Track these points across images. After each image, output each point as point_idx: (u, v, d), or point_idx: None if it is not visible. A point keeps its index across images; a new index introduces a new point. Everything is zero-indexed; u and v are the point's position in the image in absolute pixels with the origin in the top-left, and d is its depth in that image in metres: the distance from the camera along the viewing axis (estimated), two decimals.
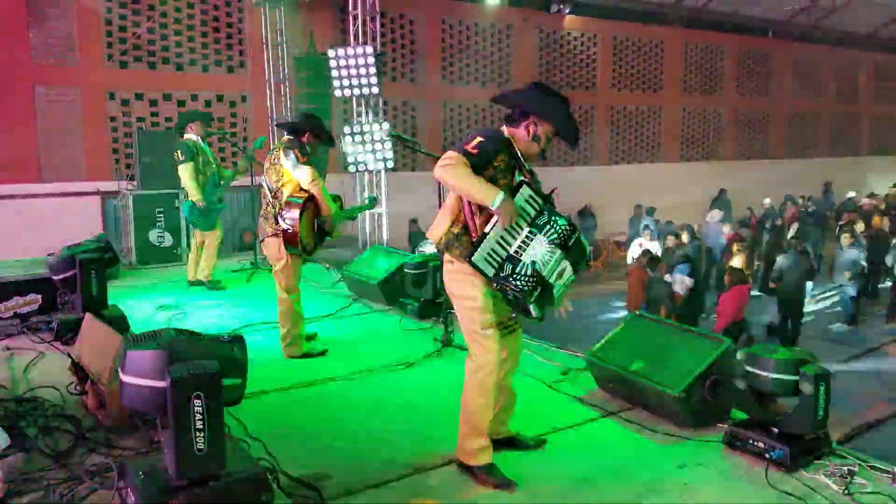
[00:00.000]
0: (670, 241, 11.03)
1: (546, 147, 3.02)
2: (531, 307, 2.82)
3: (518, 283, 2.79)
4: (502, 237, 2.82)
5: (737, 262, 9.81)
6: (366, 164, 9.53)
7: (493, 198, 2.74)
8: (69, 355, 3.81)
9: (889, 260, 11.04)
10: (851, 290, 10.30)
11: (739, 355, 3.23)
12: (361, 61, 9.14)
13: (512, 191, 2.86)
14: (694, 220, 13.67)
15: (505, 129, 2.99)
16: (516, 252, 2.84)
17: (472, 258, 2.78)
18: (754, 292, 10.31)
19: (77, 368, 3.67)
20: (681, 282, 9.23)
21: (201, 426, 2.36)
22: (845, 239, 10.65)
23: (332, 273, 7.48)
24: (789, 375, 3.01)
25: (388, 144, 9.34)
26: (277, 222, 4.51)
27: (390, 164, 9.58)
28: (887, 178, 20.34)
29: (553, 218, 2.90)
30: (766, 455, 3.02)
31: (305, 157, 4.48)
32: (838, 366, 8.45)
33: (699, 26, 17.47)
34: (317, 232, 4.65)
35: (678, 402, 3.37)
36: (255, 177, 7.87)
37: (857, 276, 10.36)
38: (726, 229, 12.35)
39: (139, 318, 5.52)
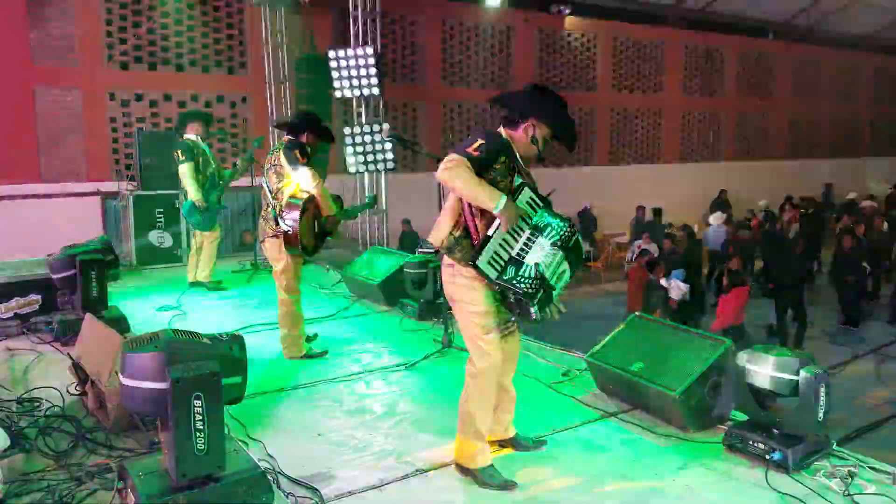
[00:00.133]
0: (666, 243, 11.04)
1: (544, 149, 3.02)
2: (533, 309, 2.82)
3: (521, 285, 2.80)
4: (504, 240, 2.82)
5: (735, 265, 9.80)
6: (366, 166, 9.54)
7: (496, 201, 2.74)
8: (69, 356, 3.81)
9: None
10: (852, 292, 10.31)
11: (741, 354, 3.23)
12: (362, 62, 9.15)
13: (512, 193, 2.86)
14: (694, 222, 13.68)
15: (503, 131, 2.99)
16: (519, 254, 2.84)
17: (476, 262, 2.78)
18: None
19: (77, 369, 3.67)
20: (676, 287, 9.22)
21: (201, 427, 2.36)
22: (847, 241, 10.65)
23: (332, 274, 7.49)
24: (790, 375, 3.01)
25: (389, 145, 9.34)
26: (278, 223, 4.51)
27: (391, 166, 9.58)
28: (888, 179, 20.33)
29: (555, 220, 2.90)
30: (767, 456, 3.02)
31: (306, 158, 4.48)
32: (839, 367, 8.44)
33: (699, 27, 17.47)
34: (317, 233, 4.65)
35: (678, 404, 3.37)
36: (255, 177, 7.89)
37: (858, 277, 10.36)
38: (730, 230, 12.37)
39: (139, 318, 5.52)
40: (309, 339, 4.89)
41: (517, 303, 2.86)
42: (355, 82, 9.23)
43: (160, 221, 8.12)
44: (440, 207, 3.01)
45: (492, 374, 2.97)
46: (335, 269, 7.48)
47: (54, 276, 4.95)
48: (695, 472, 3.06)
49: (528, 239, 2.86)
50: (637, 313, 4.36)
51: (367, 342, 5.16)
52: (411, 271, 5.70)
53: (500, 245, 2.81)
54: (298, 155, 4.45)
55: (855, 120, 21.60)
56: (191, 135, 6.69)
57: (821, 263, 12.96)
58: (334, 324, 5.67)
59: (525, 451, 3.25)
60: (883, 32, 20.43)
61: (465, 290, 2.91)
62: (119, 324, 4.76)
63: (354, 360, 4.70)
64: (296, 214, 4.42)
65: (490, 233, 2.80)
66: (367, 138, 9.36)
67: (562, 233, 2.89)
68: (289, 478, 2.96)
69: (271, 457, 3.13)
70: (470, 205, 2.86)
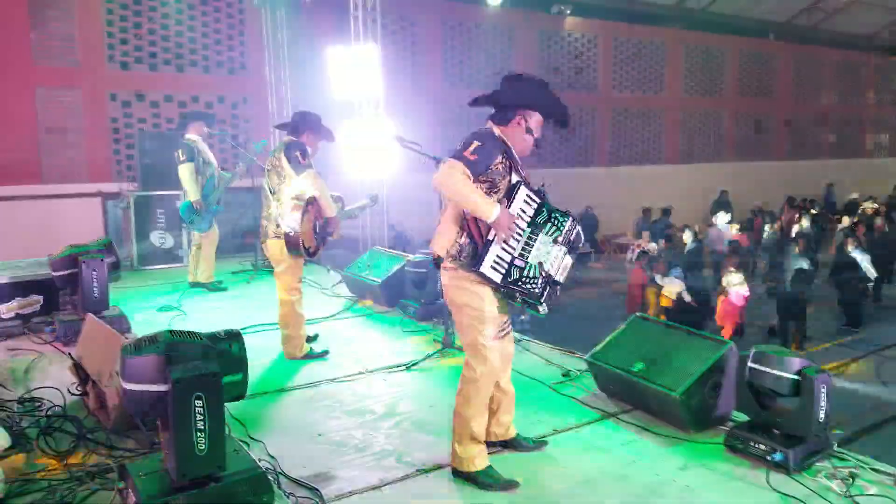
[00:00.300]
0: (662, 243, 11.05)
1: (539, 136, 3.01)
2: (542, 308, 2.86)
3: (527, 286, 2.81)
4: (505, 241, 2.83)
5: (736, 276, 9.78)
6: (366, 167, 9.52)
7: (490, 213, 2.74)
8: (70, 356, 3.81)
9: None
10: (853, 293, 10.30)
11: (742, 354, 3.23)
12: (362, 63, 9.14)
13: (508, 191, 2.86)
14: (695, 222, 13.66)
15: (496, 129, 2.96)
16: (521, 255, 2.85)
17: (481, 268, 2.78)
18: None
19: (78, 369, 3.67)
20: (670, 283, 9.21)
21: (202, 427, 2.36)
22: (849, 243, 10.64)
23: (332, 274, 7.49)
24: (790, 376, 3.01)
25: (390, 147, 9.33)
26: (279, 224, 4.51)
27: (392, 167, 9.58)
28: (889, 179, 20.34)
29: (553, 215, 2.90)
30: (768, 457, 3.02)
31: (306, 160, 4.48)
32: (840, 367, 8.44)
33: (700, 28, 17.46)
34: (318, 234, 4.65)
35: (679, 404, 3.37)
36: (255, 178, 7.89)
37: (860, 278, 10.35)
38: (733, 230, 12.37)
39: (140, 319, 5.52)
40: (310, 339, 4.89)
41: (524, 303, 2.87)
42: (356, 83, 9.23)
43: (161, 222, 8.13)
44: (441, 207, 3.00)
45: (491, 378, 2.97)
46: (336, 270, 7.49)
47: (54, 274, 4.96)
48: (695, 473, 3.06)
49: (530, 238, 2.87)
50: (638, 314, 4.36)
51: (368, 342, 5.16)
52: (411, 272, 5.70)
53: (502, 248, 2.82)
54: (300, 156, 4.46)
55: (856, 120, 21.58)
56: (192, 135, 6.69)
57: (818, 264, 12.94)
58: (335, 324, 5.67)
59: (526, 451, 3.25)
60: (883, 32, 20.43)
61: (468, 296, 2.90)
62: (120, 324, 4.77)
63: (355, 360, 4.70)
64: (297, 215, 4.42)
65: (490, 237, 2.80)
66: (368, 139, 9.34)
67: (564, 228, 2.90)
68: (289, 478, 2.97)
69: (272, 457, 3.13)
70: None
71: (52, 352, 4.72)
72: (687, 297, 9.22)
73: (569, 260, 2.95)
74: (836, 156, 20.95)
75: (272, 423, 3.63)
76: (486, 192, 2.83)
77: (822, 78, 20.46)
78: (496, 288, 2.87)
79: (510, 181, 2.88)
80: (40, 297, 5.31)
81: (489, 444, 3.14)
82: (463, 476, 2.97)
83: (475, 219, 2.84)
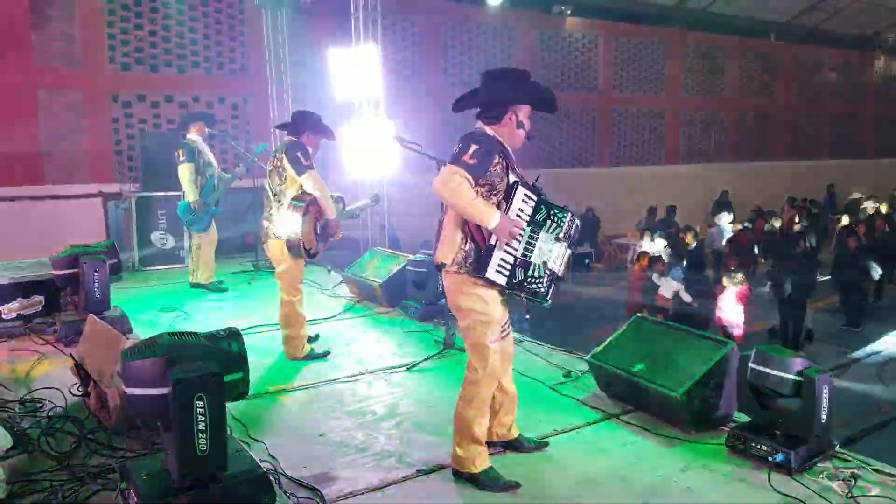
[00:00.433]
0: (658, 244, 11.03)
1: (530, 128, 3.00)
2: (546, 305, 2.91)
3: (532, 286, 2.83)
4: (507, 243, 2.83)
5: (733, 265, 9.77)
6: (367, 168, 9.52)
7: (490, 220, 2.74)
8: (72, 357, 3.82)
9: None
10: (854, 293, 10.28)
11: (744, 355, 3.23)
12: (363, 63, 9.15)
13: (507, 192, 2.86)
14: (696, 222, 13.65)
15: (488, 129, 2.94)
16: (524, 255, 2.85)
17: (486, 273, 2.78)
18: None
19: (80, 370, 3.67)
20: (666, 284, 9.20)
21: (203, 428, 2.36)
22: (853, 242, 10.63)
23: (333, 275, 7.49)
24: (792, 376, 3.00)
25: (391, 148, 9.33)
26: (279, 224, 4.51)
27: (392, 168, 9.58)
28: (890, 180, 20.30)
29: (553, 212, 2.90)
30: (769, 458, 3.01)
31: (307, 161, 4.48)
32: (841, 368, 8.42)
33: (701, 28, 17.46)
34: (319, 234, 4.65)
35: (680, 405, 3.36)
36: (256, 179, 7.89)
37: (864, 278, 10.33)
38: (735, 230, 12.37)
39: (141, 319, 5.52)
40: (311, 339, 4.89)
41: (529, 300, 2.90)
42: (357, 84, 9.23)
43: (162, 223, 8.13)
44: (442, 208, 3.00)
45: (493, 380, 2.97)
46: (336, 271, 7.49)
47: (55, 273, 4.97)
48: (697, 474, 3.06)
49: (531, 238, 2.87)
50: (639, 314, 4.36)
51: (369, 343, 5.16)
52: (413, 272, 5.70)
53: (505, 251, 2.83)
54: (301, 157, 4.46)
55: (857, 120, 21.57)
56: (193, 135, 6.69)
57: (819, 265, 12.92)
58: (336, 325, 5.67)
59: (527, 452, 3.25)
60: (885, 32, 20.42)
61: (473, 300, 2.89)
62: (121, 324, 4.77)
63: (356, 361, 4.70)
64: (298, 216, 4.42)
65: (493, 241, 2.80)
66: (369, 140, 9.34)
67: (564, 224, 2.92)
68: (290, 479, 2.97)
69: (273, 458, 3.13)
70: None
71: (53, 352, 4.72)
72: (686, 298, 9.20)
73: (568, 253, 2.98)
74: (837, 156, 20.94)
75: (273, 424, 3.63)
76: (486, 196, 2.82)
77: (824, 78, 20.45)
78: (501, 290, 2.88)
79: (508, 182, 2.88)
80: (42, 298, 5.31)
81: (491, 445, 3.14)
82: (464, 477, 2.96)
83: (477, 224, 2.84)
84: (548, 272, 2.87)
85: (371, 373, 4.44)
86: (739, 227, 13.42)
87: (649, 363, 3.68)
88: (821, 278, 10.07)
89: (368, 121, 9.59)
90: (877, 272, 10.62)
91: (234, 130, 11.36)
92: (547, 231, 2.89)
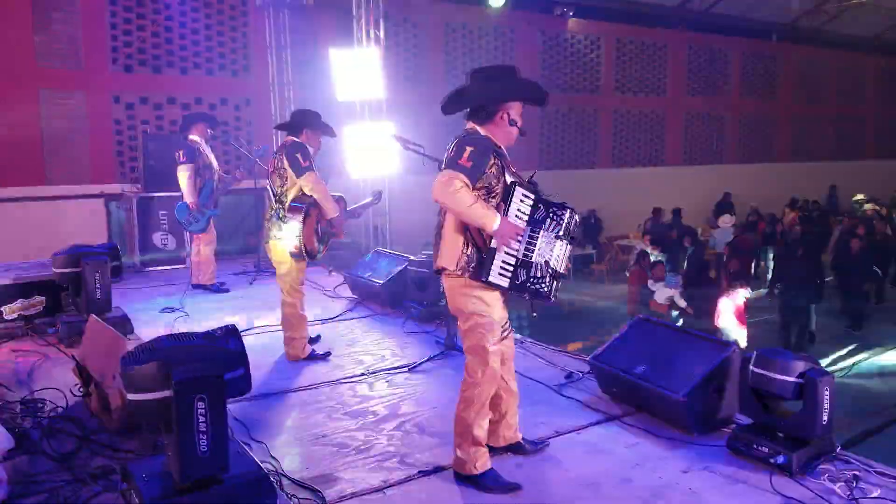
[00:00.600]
0: (652, 248, 11.02)
1: (522, 124, 2.98)
2: (549, 301, 2.91)
3: (535, 286, 2.83)
4: (508, 245, 2.83)
5: (735, 266, 9.76)
6: (369, 168, 9.53)
7: (491, 223, 2.74)
8: (73, 357, 3.82)
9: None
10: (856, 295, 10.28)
11: (745, 357, 3.22)
12: (365, 64, 9.15)
13: (505, 193, 2.85)
14: (697, 224, 13.63)
15: (480, 130, 2.93)
16: (525, 255, 2.85)
17: (489, 277, 2.78)
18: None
19: (81, 370, 3.68)
20: (661, 290, 9.18)
21: (204, 429, 2.36)
22: (854, 244, 10.62)
23: (335, 276, 7.49)
24: (794, 378, 3.00)
25: (392, 148, 9.33)
26: (281, 226, 4.51)
27: (394, 169, 9.58)
28: (892, 181, 20.26)
29: (551, 209, 2.90)
30: (771, 460, 3.01)
31: (306, 161, 4.48)
32: (844, 370, 8.41)
33: (703, 29, 17.44)
34: (320, 235, 4.65)
35: (682, 406, 3.36)
36: (257, 180, 7.89)
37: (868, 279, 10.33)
38: (736, 233, 12.36)
39: (143, 320, 5.52)
40: (312, 340, 4.89)
41: (532, 300, 2.90)
42: (359, 84, 9.23)
43: (164, 223, 8.14)
44: (440, 212, 2.99)
45: (493, 381, 2.97)
46: (338, 271, 7.49)
47: (56, 271, 4.96)
48: (698, 476, 3.05)
49: (531, 238, 2.87)
50: (640, 316, 4.35)
51: (370, 344, 5.16)
52: (414, 273, 5.69)
53: (506, 253, 2.83)
54: (300, 158, 4.45)
55: (860, 122, 21.54)
56: (195, 136, 6.70)
57: (820, 266, 12.90)
58: (337, 325, 5.67)
59: (528, 453, 3.25)
60: (887, 34, 20.39)
61: (476, 303, 2.89)
62: (123, 325, 4.78)
63: (357, 362, 4.70)
64: (299, 217, 4.42)
65: (493, 244, 2.80)
66: (370, 141, 9.35)
67: (564, 222, 2.92)
68: (292, 480, 2.97)
69: (274, 459, 3.13)
70: None
71: (54, 353, 4.72)
72: (682, 303, 9.18)
73: (568, 249, 2.97)
74: (839, 157, 20.90)
75: (274, 425, 3.63)
76: (483, 198, 2.82)
77: (826, 80, 20.42)
78: (504, 292, 2.88)
79: (505, 182, 2.88)
80: (43, 299, 5.31)
81: (498, 449, 3.14)
82: (465, 479, 2.96)
83: (477, 228, 2.84)
84: (549, 271, 2.87)
85: (372, 374, 4.44)
86: (738, 229, 13.39)
87: (651, 364, 3.68)
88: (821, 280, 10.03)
89: (370, 121, 9.59)
90: (879, 273, 10.62)
91: (236, 132, 11.38)
92: (547, 229, 2.89)
